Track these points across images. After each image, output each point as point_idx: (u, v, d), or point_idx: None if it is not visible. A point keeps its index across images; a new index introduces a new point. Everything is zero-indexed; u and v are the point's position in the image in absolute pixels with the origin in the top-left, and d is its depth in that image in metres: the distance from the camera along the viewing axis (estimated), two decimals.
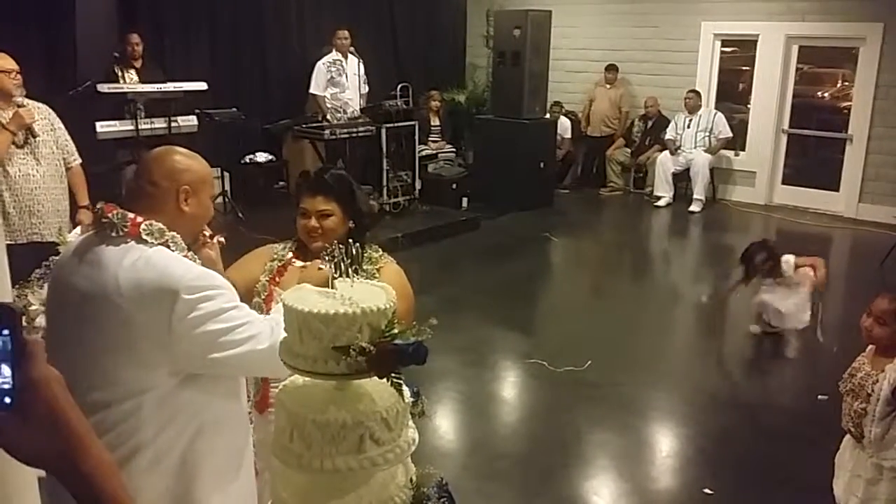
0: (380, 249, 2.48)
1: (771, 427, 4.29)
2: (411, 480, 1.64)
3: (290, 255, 2.46)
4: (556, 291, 7.10)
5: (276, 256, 2.45)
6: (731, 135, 9.29)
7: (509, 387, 4.90)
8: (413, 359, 1.45)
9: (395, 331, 1.48)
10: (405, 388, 1.56)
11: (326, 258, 1.62)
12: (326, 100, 8.19)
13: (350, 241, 1.64)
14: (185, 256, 1.84)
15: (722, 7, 9.36)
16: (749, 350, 5.54)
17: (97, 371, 1.72)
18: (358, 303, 1.49)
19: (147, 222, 1.79)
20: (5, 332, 0.73)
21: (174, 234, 1.82)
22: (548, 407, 4.52)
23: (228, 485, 1.88)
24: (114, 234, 1.77)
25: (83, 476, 0.79)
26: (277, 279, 2.38)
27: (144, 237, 1.77)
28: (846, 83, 9.18)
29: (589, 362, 4.89)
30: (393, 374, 1.47)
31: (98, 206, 1.86)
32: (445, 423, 4.30)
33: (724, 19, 9.36)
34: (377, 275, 2.34)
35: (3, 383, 0.73)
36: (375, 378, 1.53)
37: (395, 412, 1.54)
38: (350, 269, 1.59)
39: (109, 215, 1.79)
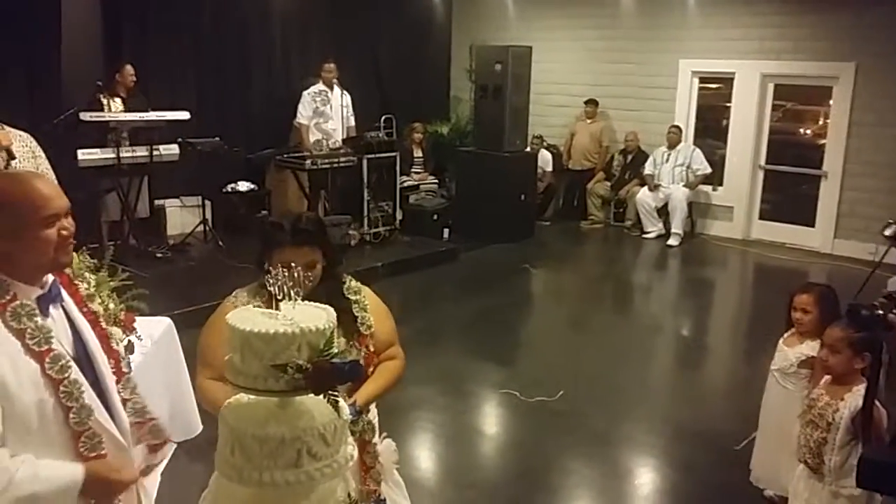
0: (351, 278, 2.46)
1: (731, 455, 4.33)
2: (349, 496, 1.69)
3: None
4: (533, 322, 7.15)
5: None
6: (709, 170, 9.43)
7: (481, 416, 4.94)
8: (349, 376, 1.52)
9: (334, 350, 1.55)
10: (344, 406, 1.62)
11: (270, 282, 1.68)
12: (311, 129, 8.30)
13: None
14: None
15: (699, 45, 9.55)
16: (715, 380, 5.61)
17: None
18: (298, 323, 1.55)
19: None
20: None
21: None
22: (518, 436, 4.56)
23: None
24: None
25: None
26: None
27: None
28: (827, 120, 9.32)
29: (561, 392, 4.94)
30: (330, 392, 1.53)
31: None
32: (416, 452, 4.33)
33: (701, 57, 9.56)
34: (366, 300, 2.37)
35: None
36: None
37: (333, 428, 1.59)
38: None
39: None
